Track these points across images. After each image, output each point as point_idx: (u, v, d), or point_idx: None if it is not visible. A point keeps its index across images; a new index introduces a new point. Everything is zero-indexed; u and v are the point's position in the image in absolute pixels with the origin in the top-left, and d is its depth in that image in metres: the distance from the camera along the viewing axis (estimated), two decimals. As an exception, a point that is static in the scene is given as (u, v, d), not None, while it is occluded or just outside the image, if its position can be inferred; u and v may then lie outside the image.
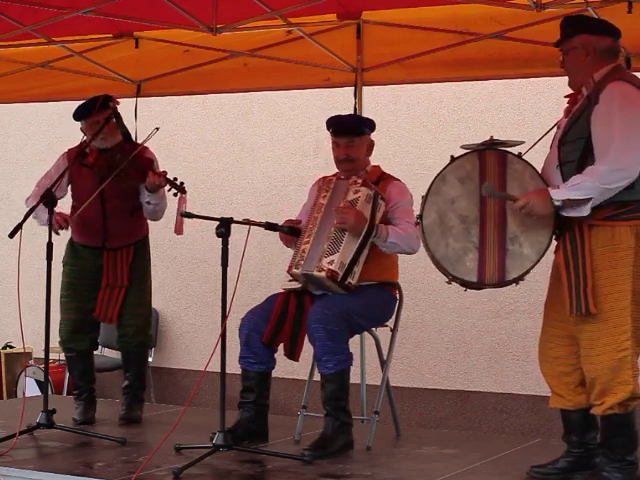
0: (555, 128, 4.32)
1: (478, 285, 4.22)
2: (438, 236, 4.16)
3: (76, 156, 5.46)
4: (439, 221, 4.17)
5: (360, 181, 4.82)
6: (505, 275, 4.14)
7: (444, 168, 4.22)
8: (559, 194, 3.98)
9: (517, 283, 4.23)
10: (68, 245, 5.67)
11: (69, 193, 5.68)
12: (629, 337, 4.01)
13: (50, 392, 7.07)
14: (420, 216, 4.21)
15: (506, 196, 4.10)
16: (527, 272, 4.16)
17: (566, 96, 4.30)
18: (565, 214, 4.02)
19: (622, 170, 3.93)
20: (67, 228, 5.39)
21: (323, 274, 4.70)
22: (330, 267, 4.68)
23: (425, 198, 4.21)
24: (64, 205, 5.63)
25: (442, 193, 4.19)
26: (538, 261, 4.13)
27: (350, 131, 5.01)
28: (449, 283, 4.26)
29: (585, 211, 3.98)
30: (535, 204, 4.01)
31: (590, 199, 3.94)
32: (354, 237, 4.73)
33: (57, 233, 5.33)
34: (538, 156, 4.32)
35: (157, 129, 5.34)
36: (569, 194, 3.96)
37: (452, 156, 4.25)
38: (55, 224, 5.28)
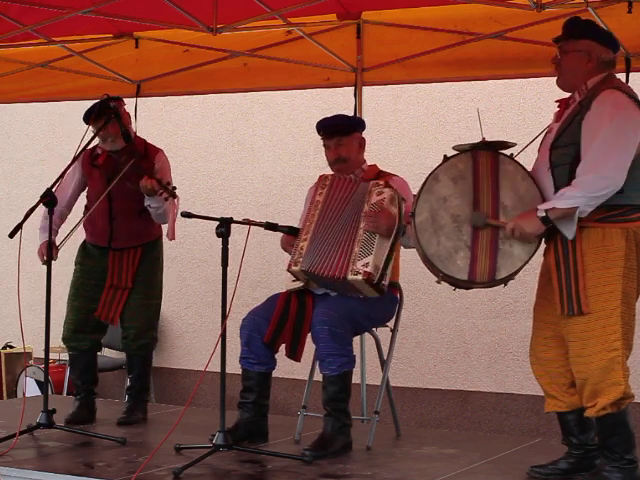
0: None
1: (468, 284, 4.22)
2: (430, 234, 4.17)
3: (88, 157, 5.56)
4: (431, 219, 4.18)
5: (382, 183, 4.80)
6: (496, 274, 4.14)
7: (437, 167, 4.23)
8: (545, 205, 4.04)
9: (505, 284, 4.23)
10: (81, 245, 5.72)
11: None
12: (619, 337, 4.02)
13: (50, 392, 7.08)
14: (412, 214, 4.22)
15: (496, 225, 4.14)
16: (517, 272, 4.17)
17: (557, 101, 4.31)
18: (560, 227, 4.04)
19: (606, 178, 3.95)
20: (53, 259, 5.31)
21: (359, 277, 4.64)
22: (366, 270, 4.64)
23: (417, 196, 4.22)
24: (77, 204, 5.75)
25: (434, 192, 4.20)
26: (528, 261, 4.15)
27: (337, 131, 5.01)
28: (438, 282, 4.27)
29: (574, 224, 4.01)
30: (522, 224, 4.06)
31: (576, 209, 3.97)
32: (385, 239, 4.72)
33: (43, 263, 5.29)
34: (532, 158, 4.32)
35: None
36: (555, 203, 4.01)
37: (445, 155, 4.27)
38: (39, 255, 5.36)
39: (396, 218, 4.71)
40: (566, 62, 4.22)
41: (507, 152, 4.26)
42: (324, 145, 5.08)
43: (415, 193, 4.35)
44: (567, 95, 4.27)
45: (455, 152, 4.28)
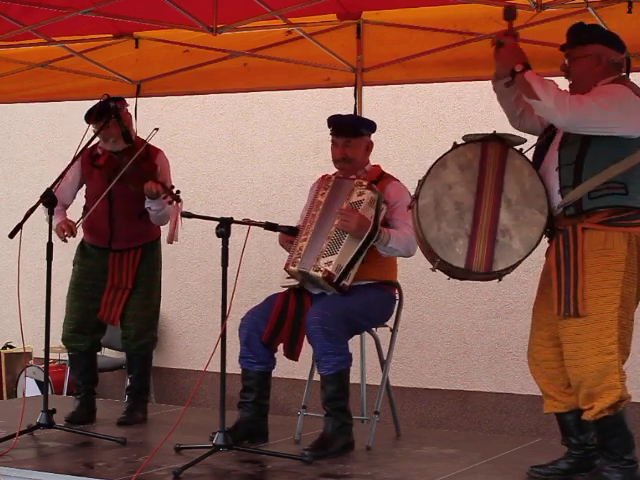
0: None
1: (464, 273, 4.20)
2: (431, 218, 4.16)
3: (88, 157, 5.54)
4: (434, 204, 4.17)
5: (365, 183, 4.81)
6: (492, 265, 4.13)
7: (445, 153, 4.22)
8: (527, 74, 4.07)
9: (500, 279, 4.22)
10: (79, 245, 5.72)
11: (81, 194, 5.75)
12: (615, 341, 4.01)
13: (50, 392, 7.08)
14: (416, 197, 4.20)
15: None
16: (514, 266, 4.16)
17: None
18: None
19: (580, 105, 3.99)
20: (73, 236, 5.43)
21: (319, 274, 4.70)
22: (327, 268, 4.68)
23: (423, 181, 4.21)
24: (75, 204, 5.73)
25: (441, 177, 4.19)
26: (526, 256, 4.13)
27: (348, 132, 5.01)
28: (434, 270, 4.24)
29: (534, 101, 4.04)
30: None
31: (540, 100, 4.00)
32: (355, 240, 4.73)
33: (65, 240, 5.43)
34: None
35: (156, 130, 5.35)
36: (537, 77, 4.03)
37: (455, 143, 4.26)
38: (60, 232, 5.37)
39: (370, 223, 4.72)
40: (576, 68, 4.21)
41: (517, 147, 4.26)
42: (332, 141, 5.06)
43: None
44: None
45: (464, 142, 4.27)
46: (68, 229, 5.41)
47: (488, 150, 4.22)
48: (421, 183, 4.22)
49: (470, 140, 4.27)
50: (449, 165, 4.21)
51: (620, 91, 4.05)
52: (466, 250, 4.13)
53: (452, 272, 4.25)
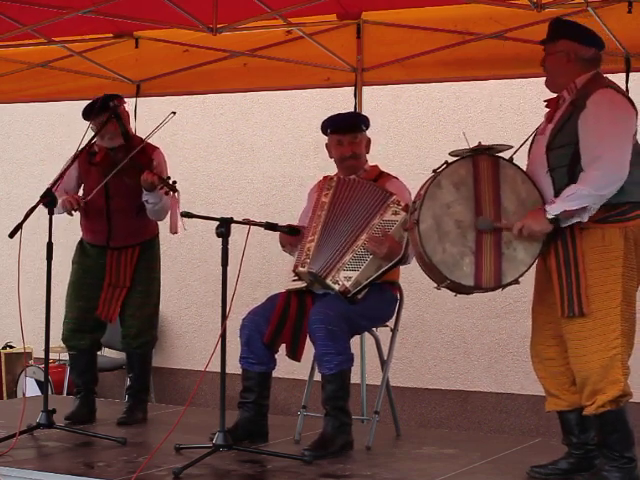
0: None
1: (472, 289, 4.22)
2: (435, 241, 4.15)
3: (85, 155, 5.52)
4: (435, 226, 4.16)
5: (403, 204, 4.78)
6: (501, 279, 4.15)
7: (439, 173, 4.21)
8: (555, 209, 4.03)
9: (504, 288, 4.24)
10: (78, 244, 5.72)
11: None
12: (619, 336, 4.03)
13: (50, 392, 7.08)
14: (416, 221, 4.20)
15: (503, 227, 4.13)
16: (521, 276, 4.18)
17: (546, 100, 4.31)
18: (563, 225, 4.05)
19: (614, 175, 3.97)
20: (79, 207, 5.42)
21: (336, 287, 4.72)
22: (345, 283, 4.70)
23: (421, 203, 4.21)
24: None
25: (437, 198, 4.18)
26: (532, 264, 4.17)
27: (353, 128, 5.02)
28: (438, 288, 4.26)
29: (584, 218, 4.03)
30: (531, 224, 4.06)
31: (586, 207, 3.98)
32: (379, 261, 4.74)
33: (70, 214, 5.43)
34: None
35: (174, 113, 5.32)
36: (564, 205, 4.01)
37: (446, 161, 4.26)
38: (67, 204, 5.38)
39: (400, 249, 4.72)
40: (549, 63, 4.28)
41: (506, 155, 4.25)
42: (337, 141, 5.05)
43: (413, 196, 4.35)
44: (555, 95, 4.28)
45: (455, 158, 4.27)
46: (75, 201, 5.39)
47: (479, 164, 4.21)
48: (419, 206, 4.20)
49: (460, 156, 4.26)
50: (444, 184, 4.20)
51: (616, 108, 4.06)
52: (473, 267, 4.14)
53: (459, 289, 4.25)
